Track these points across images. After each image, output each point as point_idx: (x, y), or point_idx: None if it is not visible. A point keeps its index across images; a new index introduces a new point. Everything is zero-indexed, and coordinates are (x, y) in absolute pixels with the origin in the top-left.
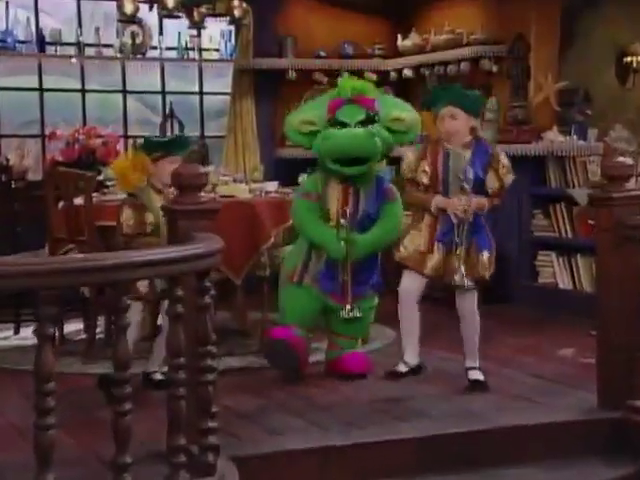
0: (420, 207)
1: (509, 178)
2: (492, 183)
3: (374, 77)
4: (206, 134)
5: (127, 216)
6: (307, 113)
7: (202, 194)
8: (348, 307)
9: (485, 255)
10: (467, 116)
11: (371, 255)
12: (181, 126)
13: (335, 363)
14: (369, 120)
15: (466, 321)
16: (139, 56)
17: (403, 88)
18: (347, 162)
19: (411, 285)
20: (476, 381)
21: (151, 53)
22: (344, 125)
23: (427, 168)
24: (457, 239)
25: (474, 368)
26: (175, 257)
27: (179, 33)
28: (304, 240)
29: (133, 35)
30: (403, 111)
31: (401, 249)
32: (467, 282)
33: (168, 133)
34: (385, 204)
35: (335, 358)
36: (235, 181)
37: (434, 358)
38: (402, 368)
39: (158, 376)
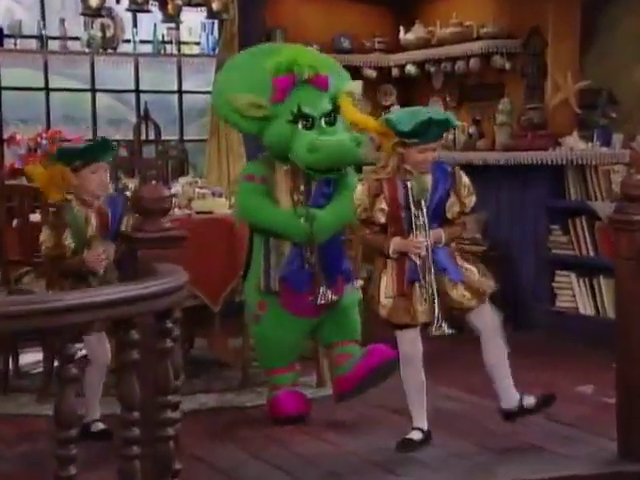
0: (377, 252)
1: (471, 200)
2: (453, 207)
3: (374, 75)
4: (185, 137)
5: (45, 237)
6: (248, 90)
7: (168, 217)
8: (322, 289)
9: (461, 287)
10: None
11: (335, 238)
12: (157, 128)
13: (357, 372)
14: (334, 110)
15: (492, 344)
16: (110, 51)
17: (406, 86)
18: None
19: (412, 347)
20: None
21: (124, 47)
22: (307, 118)
23: (384, 205)
24: (423, 280)
25: (520, 395)
26: (128, 297)
27: (155, 25)
28: (258, 242)
29: (103, 27)
30: (346, 81)
31: (382, 302)
32: (446, 329)
33: (143, 136)
34: (340, 179)
35: (355, 366)
36: (214, 195)
37: (431, 396)
38: (417, 436)
39: (100, 426)
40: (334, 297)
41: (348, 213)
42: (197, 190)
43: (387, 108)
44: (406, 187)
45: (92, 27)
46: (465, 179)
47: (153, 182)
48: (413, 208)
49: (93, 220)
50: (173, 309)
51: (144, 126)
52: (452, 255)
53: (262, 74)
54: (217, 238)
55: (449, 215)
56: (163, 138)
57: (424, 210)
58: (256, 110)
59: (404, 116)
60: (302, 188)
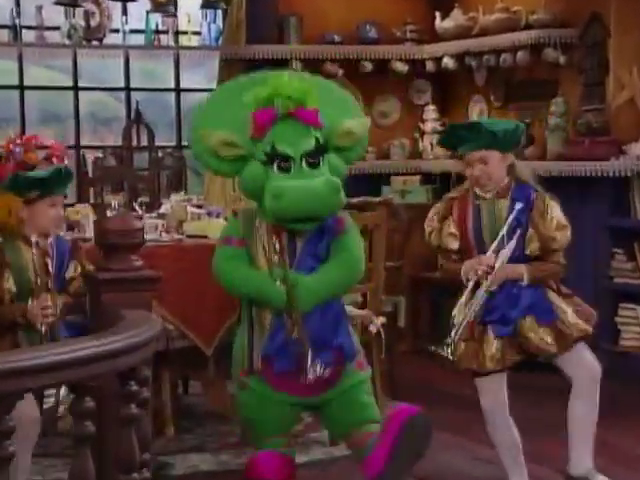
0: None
1: (563, 237)
2: (532, 244)
3: (405, 69)
4: (184, 143)
5: None
6: (224, 126)
7: (141, 251)
8: (309, 362)
9: (541, 330)
10: (502, 155)
11: (329, 306)
12: (150, 132)
13: (381, 449)
14: (319, 150)
15: (577, 396)
16: (95, 42)
17: (443, 82)
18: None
19: (494, 398)
20: None
21: (111, 38)
22: (283, 159)
23: (454, 229)
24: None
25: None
26: (81, 357)
27: (147, 12)
28: (244, 307)
29: (87, 15)
30: (350, 115)
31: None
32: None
33: (133, 142)
34: (336, 238)
35: (377, 444)
36: (210, 215)
37: (467, 457)
38: None
39: None
40: (326, 371)
41: (342, 281)
42: (190, 210)
43: (421, 108)
44: (478, 210)
45: (74, 16)
46: (555, 210)
47: (119, 209)
48: (486, 235)
49: (36, 264)
50: (139, 368)
51: (135, 130)
52: (543, 292)
53: (243, 108)
54: (210, 267)
55: (528, 251)
56: (157, 144)
57: (502, 239)
58: (229, 149)
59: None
60: (284, 247)
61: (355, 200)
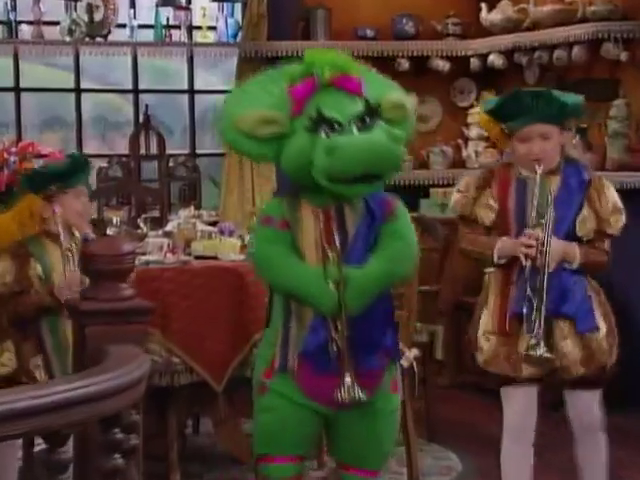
0: (480, 261)
1: (617, 220)
2: (587, 224)
3: (446, 67)
4: (198, 151)
5: (2, 270)
6: (261, 104)
7: (130, 280)
8: (347, 382)
9: (589, 336)
10: (561, 132)
11: (378, 302)
12: (160, 139)
13: None
14: (370, 113)
15: (585, 442)
16: (99, 39)
17: (489, 81)
18: (355, 179)
19: (523, 415)
20: None
21: (117, 34)
22: (332, 126)
23: (492, 202)
24: (535, 300)
25: None
26: (53, 402)
27: (157, 5)
28: (278, 303)
29: (90, 9)
30: (397, 92)
31: (480, 345)
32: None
33: (142, 150)
34: (386, 224)
35: None
36: (222, 233)
37: None
38: None
39: None
40: (362, 396)
41: (397, 274)
42: (200, 227)
43: (464, 111)
44: (523, 185)
45: (75, 9)
46: (611, 191)
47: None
48: (531, 212)
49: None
50: (125, 413)
51: (144, 136)
52: (586, 291)
53: (278, 91)
54: (222, 294)
55: (580, 232)
56: (169, 152)
57: (547, 215)
58: (269, 127)
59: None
60: (336, 237)
61: None
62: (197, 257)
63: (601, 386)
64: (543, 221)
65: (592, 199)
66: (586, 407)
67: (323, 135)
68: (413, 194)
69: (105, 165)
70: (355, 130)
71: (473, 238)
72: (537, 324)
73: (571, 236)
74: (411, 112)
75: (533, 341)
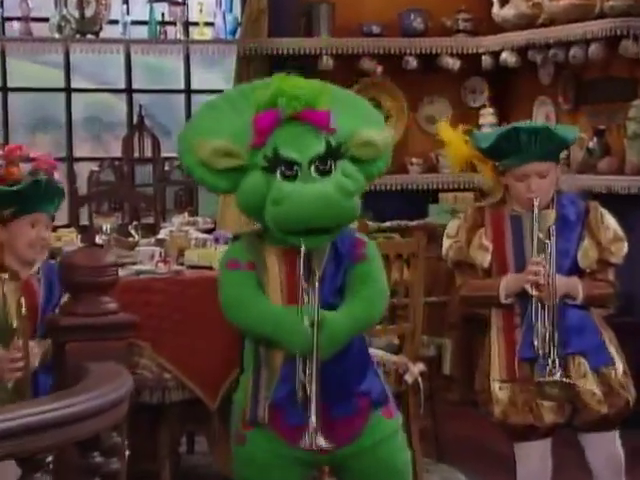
0: (485, 306)
1: (620, 248)
2: (589, 254)
3: (456, 65)
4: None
5: None
6: (220, 133)
7: (109, 298)
8: (311, 427)
9: (606, 371)
10: (557, 167)
11: (351, 346)
12: (155, 142)
13: None
14: (332, 154)
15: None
16: (90, 36)
17: (502, 81)
18: (305, 230)
19: (540, 467)
20: None
21: (109, 31)
22: (290, 166)
23: (487, 242)
24: (544, 329)
25: None
26: (27, 424)
27: (151, 0)
28: (249, 349)
29: (81, 4)
30: (371, 125)
31: (494, 395)
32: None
33: (135, 153)
34: (356, 265)
35: None
36: (217, 241)
37: None
38: None
39: None
40: (324, 444)
41: (367, 320)
42: (194, 235)
43: (476, 111)
44: (518, 222)
45: (65, 5)
46: (608, 218)
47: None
48: (529, 248)
49: (16, 301)
50: (105, 435)
51: (138, 138)
52: (595, 326)
53: (246, 114)
54: (216, 306)
55: (583, 264)
56: (164, 155)
57: (548, 249)
58: (225, 160)
59: (493, 131)
60: (302, 280)
61: (387, 224)
62: (190, 267)
63: (621, 424)
64: (544, 255)
65: (592, 229)
66: (609, 449)
67: (278, 176)
68: (421, 199)
69: (96, 169)
70: (314, 173)
71: (474, 283)
72: (551, 350)
73: (574, 269)
74: (384, 149)
75: (550, 365)
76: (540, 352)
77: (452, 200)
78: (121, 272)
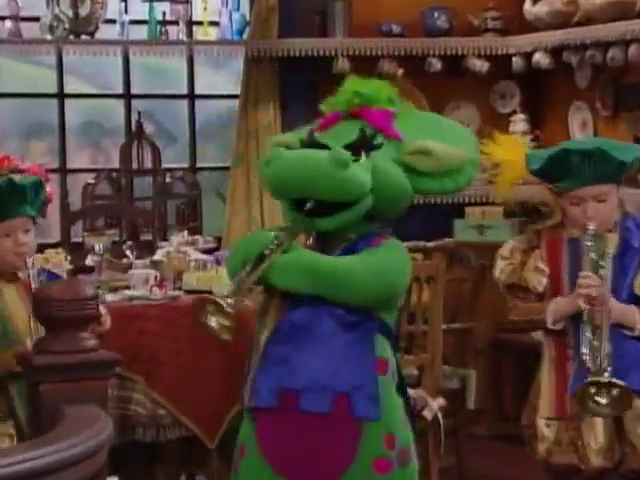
0: (533, 330)
1: None
2: None
3: (484, 67)
4: (199, 164)
5: None
6: (290, 133)
7: (89, 333)
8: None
9: None
10: (618, 188)
11: (348, 326)
12: (155, 151)
13: None
14: (363, 143)
15: None
16: (85, 37)
17: (534, 84)
18: (310, 208)
19: None
20: None
21: (106, 31)
22: (319, 148)
23: (542, 265)
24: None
25: None
26: (4, 476)
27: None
28: None
29: (75, 3)
30: (438, 138)
31: (540, 432)
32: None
33: (134, 164)
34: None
35: None
36: (219, 263)
37: None
38: None
39: None
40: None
41: (338, 275)
42: (194, 256)
43: (506, 117)
44: (575, 246)
45: (58, 3)
46: None
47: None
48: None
49: (20, 300)
50: None
51: (136, 148)
52: None
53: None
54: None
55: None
56: (165, 166)
57: (604, 271)
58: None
59: (544, 151)
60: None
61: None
62: (189, 292)
63: None
64: (602, 264)
65: None
66: None
67: None
68: (445, 214)
69: (91, 181)
70: None
71: (523, 307)
72: (601, 351)
73: (632, 299)
74: (449, 162)
75: (600, 364)
76: (587, 358)
77: (480, 215)
78: (112, 297)
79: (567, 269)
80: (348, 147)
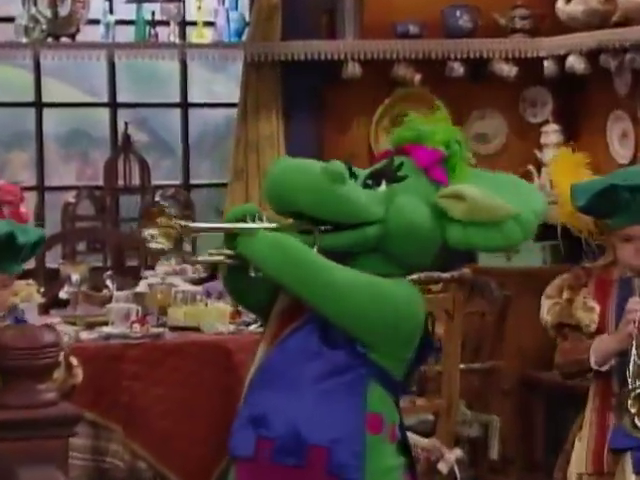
0: (578, 374)
1: None
2: None
3: (512, 72)
4: (193, 181)
5: None
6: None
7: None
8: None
9: None
10: None
11: (324, 353)
12: (144, 166)
13: None
14: (386, 172)
15: None
16: (65, 39)
17: (568, 91)
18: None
19: None
20: None
21: (89, 33)
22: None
23: (592, 303)
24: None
25: None
26: None
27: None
28: None
29: (54, 3)
30: (499, 193)
31: None
32: None
33: (120, 180)
34: None
35: None
36: (209, 295)
37: None
38: None
39: None
40: None
41: (313, 270)
42: (181, 287)
43: (537, 128)
44: (627, 284)
45: (35, 3)
46: None
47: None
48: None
49: None
50: None
51: (122, 163)
52: None
53: None
54: (203, 378)
55: None
56: (155, 183)
57: None
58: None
59: (593, 182)
60: None
61: (415, 276)
62: (174, 328)
63: None
64: None
65: None
66: None
67: None
68: None
69: (72, 200)
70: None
71: (569, 347)
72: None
73: None
74: (482, 213)
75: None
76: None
77: None
78: (88, 335)
79: (614, 309)
80: (371, 175)
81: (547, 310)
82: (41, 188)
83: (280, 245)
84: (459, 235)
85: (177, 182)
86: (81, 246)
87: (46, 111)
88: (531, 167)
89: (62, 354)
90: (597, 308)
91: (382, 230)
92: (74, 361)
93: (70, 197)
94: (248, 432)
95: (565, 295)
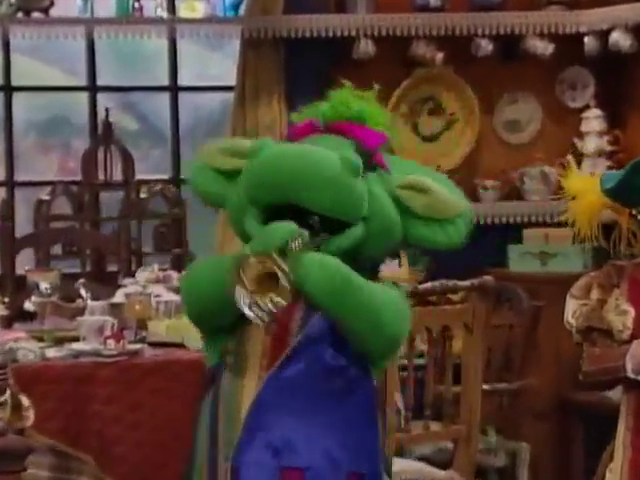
0: (609, 384)
1: None
2: None
3: (548, 50)
4: (184, 176)
5: None
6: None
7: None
8: None
9: None
10: None
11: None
12: (127, 158)
13: None
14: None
15: None
16: (37, 14)
17: (611, 72)
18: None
19: None
20: None
21: (64, 8)
22: None
23: (626, 306)
24: None
25: None
26: None
27: None
28: None
29: None
30: (430, 178)
31: None
32: None
33: (100, 175)
34: None
35: None
36: None
37: None
38: None
39: None
40: None
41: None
42: (164, 297)
43: (577, 113)
44: None
45: None
46: None
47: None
48: None
49: None
50: None
51: (103, 154)
52: None
53: None
54: (186, 401)
55: None
56: (140, 177)
57: None
58: (227, 160)
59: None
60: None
61: (429, 285)
62: (153, 344)
63: None
64: None
65: None
66: None
67: None
68: (499, 238)
69: (46, 197)
70: None
71: (599, 354)
72: None
73: None
74: (442, 209)
75: None
76: None
77: (542, 239)
78: (55, 353)
79: None
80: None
81: (573, 312)
82: (10, 183)
83: (346, 280)
84: (421, 232)
85: (165, 176)
86: (56, 249)
87: (21, 95)
88: (570, 158)
89: (8, 393)
90: (632, 312)
91: (364, 230)
92: (25, 401)
93: (44, 194)
94: (266, 461)
95: (594, 295)
